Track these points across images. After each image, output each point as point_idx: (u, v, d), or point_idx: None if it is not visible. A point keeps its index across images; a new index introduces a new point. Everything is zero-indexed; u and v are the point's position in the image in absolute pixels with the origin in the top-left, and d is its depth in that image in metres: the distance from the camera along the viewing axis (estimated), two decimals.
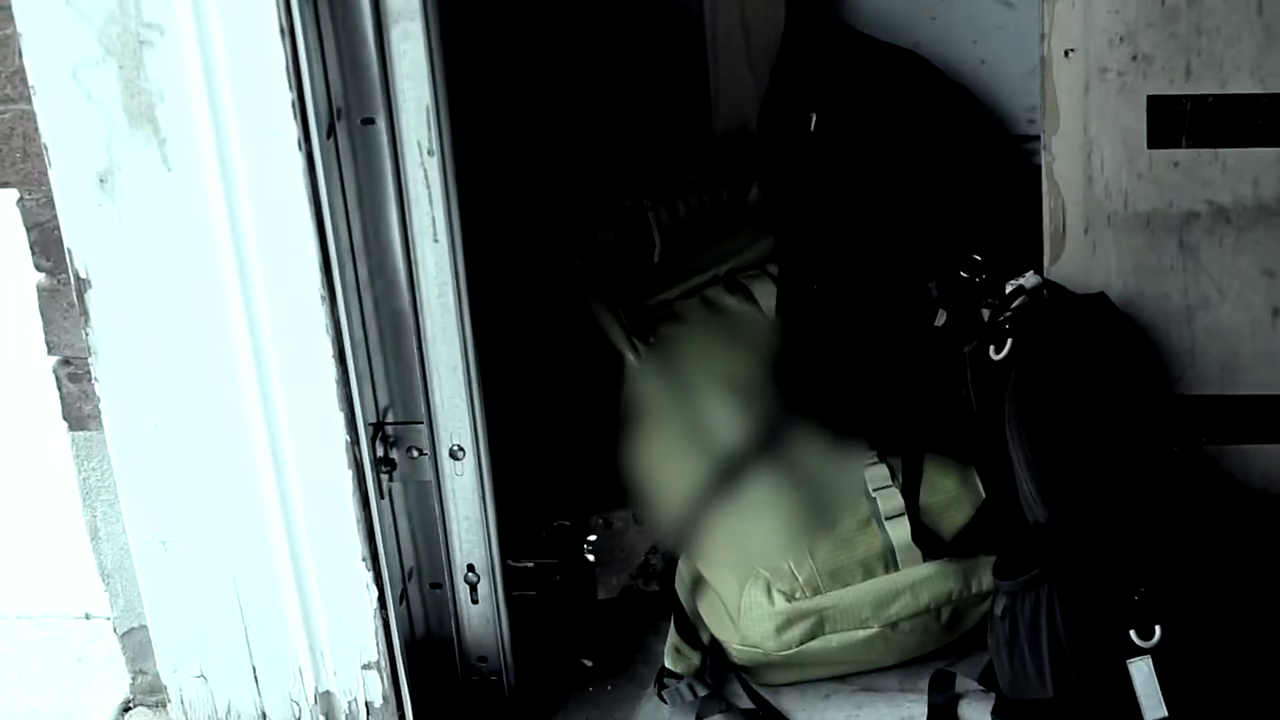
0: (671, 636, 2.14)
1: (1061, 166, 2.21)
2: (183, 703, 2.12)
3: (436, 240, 1.94)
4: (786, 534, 2.08)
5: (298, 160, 1.82)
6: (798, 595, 2.06)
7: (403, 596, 2.10)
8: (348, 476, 1.96)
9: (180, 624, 2.07)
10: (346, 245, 1.95)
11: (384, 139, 1.91)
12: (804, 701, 2.13)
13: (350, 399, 1.92)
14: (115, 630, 2.15)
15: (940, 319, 2.19)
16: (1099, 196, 2.21)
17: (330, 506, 1.98)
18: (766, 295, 2.27)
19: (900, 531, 2.08)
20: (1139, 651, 1.92)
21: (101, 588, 2.16)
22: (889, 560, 2.08)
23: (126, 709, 2.19)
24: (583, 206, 2.28)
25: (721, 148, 2.44)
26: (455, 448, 2.03)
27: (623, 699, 2.15)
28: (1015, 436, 1.99)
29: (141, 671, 2.15)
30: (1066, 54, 2.16)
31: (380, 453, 2.03)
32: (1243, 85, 2.14)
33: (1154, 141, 2.18)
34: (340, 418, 1.93)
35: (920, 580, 2.08)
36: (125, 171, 1.86)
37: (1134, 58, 2.15)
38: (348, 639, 2.04)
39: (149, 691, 2.14)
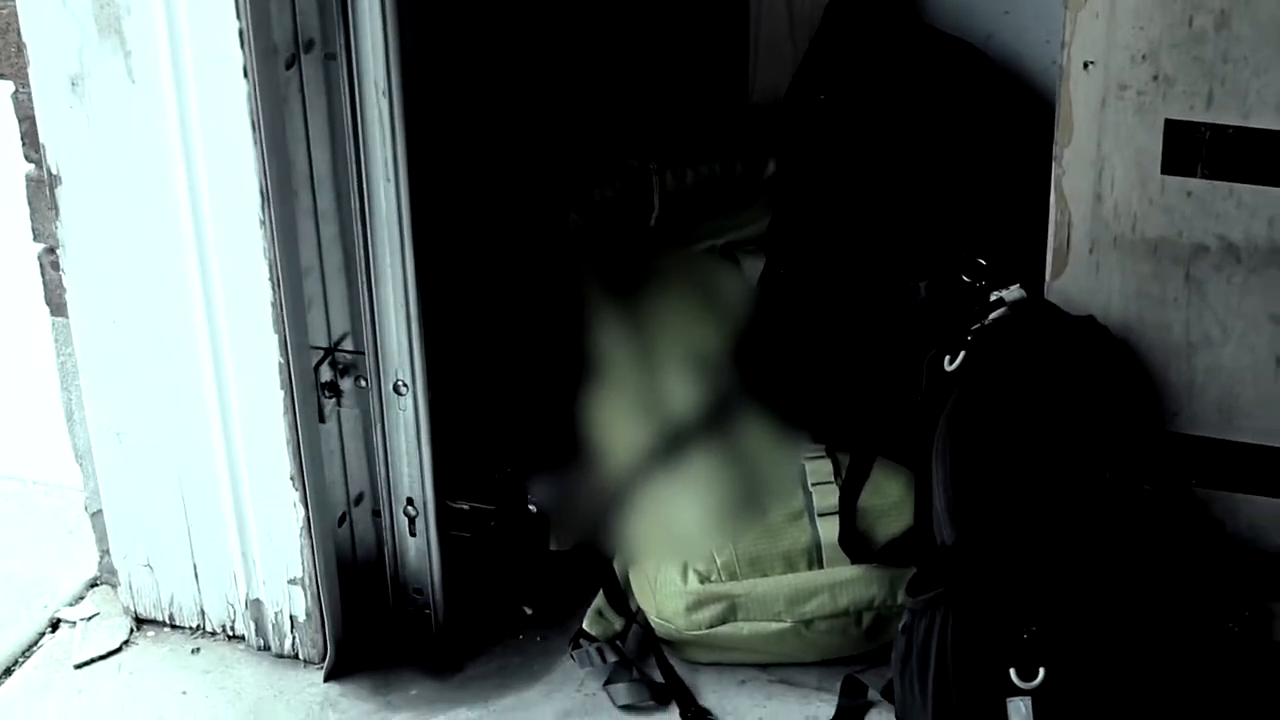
0: (598, 600, 2.15)
1: (1071, 181, 2.12)
2: (131, 588, 2.21)
3: (388, 179, 1.96)
4: (714, 515, 2.06)
5: (243, 88, 1.87)
6: (713, 578, 2.05)
7: (344, 519, 2.15)
8: (279, 397, 2.01)
9: (131, 514, 2.16)
10: (306, 173, 1.98)
11: (344, 75, 1.93)
12: (719, 683, 2.12)
13: (284, 322, 1.96)
14: (86, 510, 2.24)
15: (922, 320, 2.13)
16: (1107, 216, 2.12)
17: (264, 424, 2.03)
18: (756, 271, 2.23)
19: (830, 530, 2.05)
20: (1020, 691, 1.86)
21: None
22: (813, 557, 2.05)
23: (93, 585, 2.29)
24: (588, 162, 2.27)
25: (754, 119, 2.40)
26: (399, 383, 2.06)
27: (548, 651, 2.17)
28: (939, 453, 1.94)
29: (106, 552, 2.24)
30: (1086, 66, 2.07)
31: (328, 378, 2.07)
32: (1266, 120, 2.02)
33: (1168, 167, 2.08)
34: (274, 340, 1.98)
35: (841, 582, 2.04)
36: (94, 78, 1.93)
37: (1155, 77, 2.05)
38: (276, 552, 2.10)
39: (111, 572, 2.24)
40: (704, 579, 2.04)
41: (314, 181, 1.99)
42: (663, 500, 2.10)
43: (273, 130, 1.89)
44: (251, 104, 1.87)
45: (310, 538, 2.07)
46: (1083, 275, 2.16)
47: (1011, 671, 1.85)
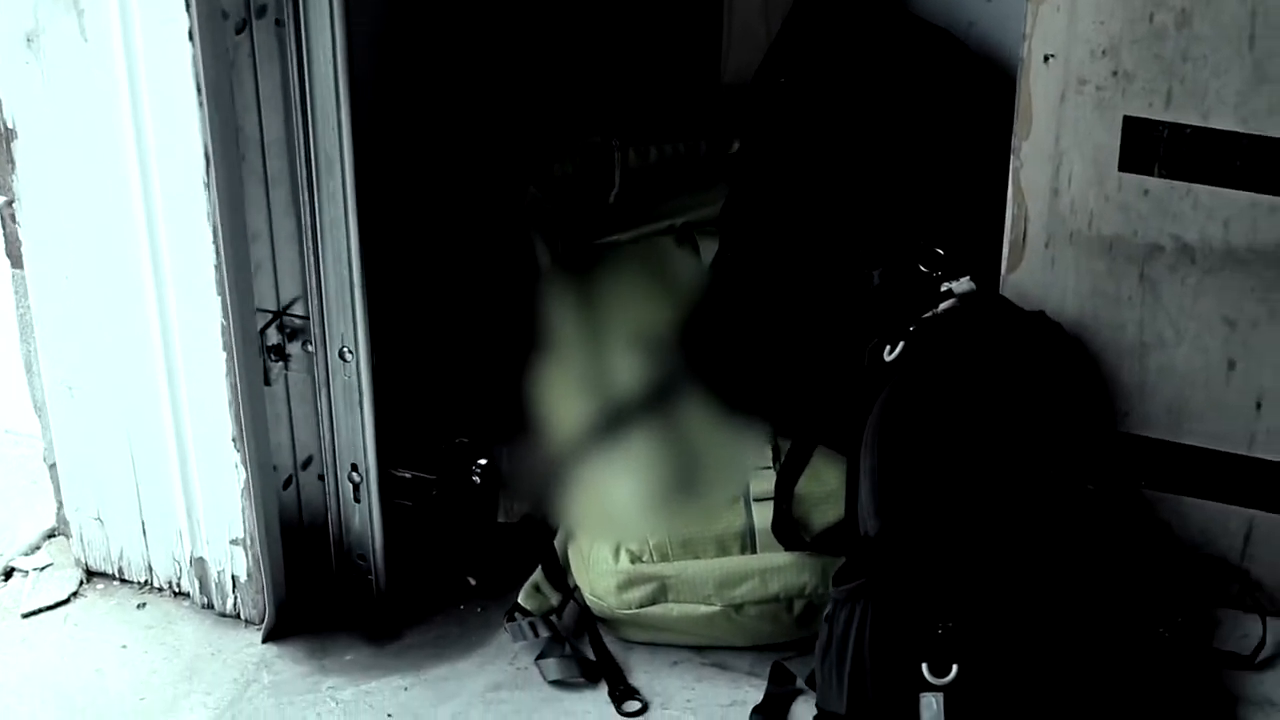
0: (536, 574, 2.15)
1: (1029, 175, 2.11)
2: (82, 541, 2.24)
3: (335, 148, 1.96)
4: (650, 495, 2.06)
5: (189, 50, 1.88)
6: (644, 559, 2.05)
7: (290, 481, 2.17)
8: (222, 359, 2.02)
9: (83, 467, 2.18)
10: (257, 139, 1.99)
11: (292, 41, 1.94)
12: (651, 663, 2.12)
13: (226, 285, 1.97)
14: (45, 461, 2.27)
15: (873, 309, 2.12)
16: (1064, 212, 2.11)
17: (207, 385, 2.04)
18: (712, 253, 2.23)
19: (766, 515, 2.04)
20: (932, 687, 1.85)
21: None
22: (747, 542, 2.04)
23: (50, 535, 2.32)
24: (551, 137, 2.27)
25: (724, 100, 2.39)
26: (344, 349, 2.07)
27: (487, 623, 2.17)
28: (868, 443, 1.93)
29: (62, 504, 2.26)
30: (1046, 59, 2.05)
31: (276, 342, 2.09)
32: (1225, 121, 2.00)
33: (1126, 165, 2.06)
34: (218, 301, 1.99)
35: (773, 568, 2.04)
36: (49, 35, 1.94)
37: (1115, 73, 2.03)
38: (219, 512, 2.12)
39: (66, 523, 2.26)
40: (635, 559, 2.05)
41: (264, 147, 2.00)
42: (600, 478, 2.10)
43: (218, 94, 1.90)
44: (196, 67, 1.87)
45: (251, 500, 2.08)
46: (1038, 270, 2.14)
47: (924, 666, 1.84)
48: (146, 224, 1.99)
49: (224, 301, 1.99)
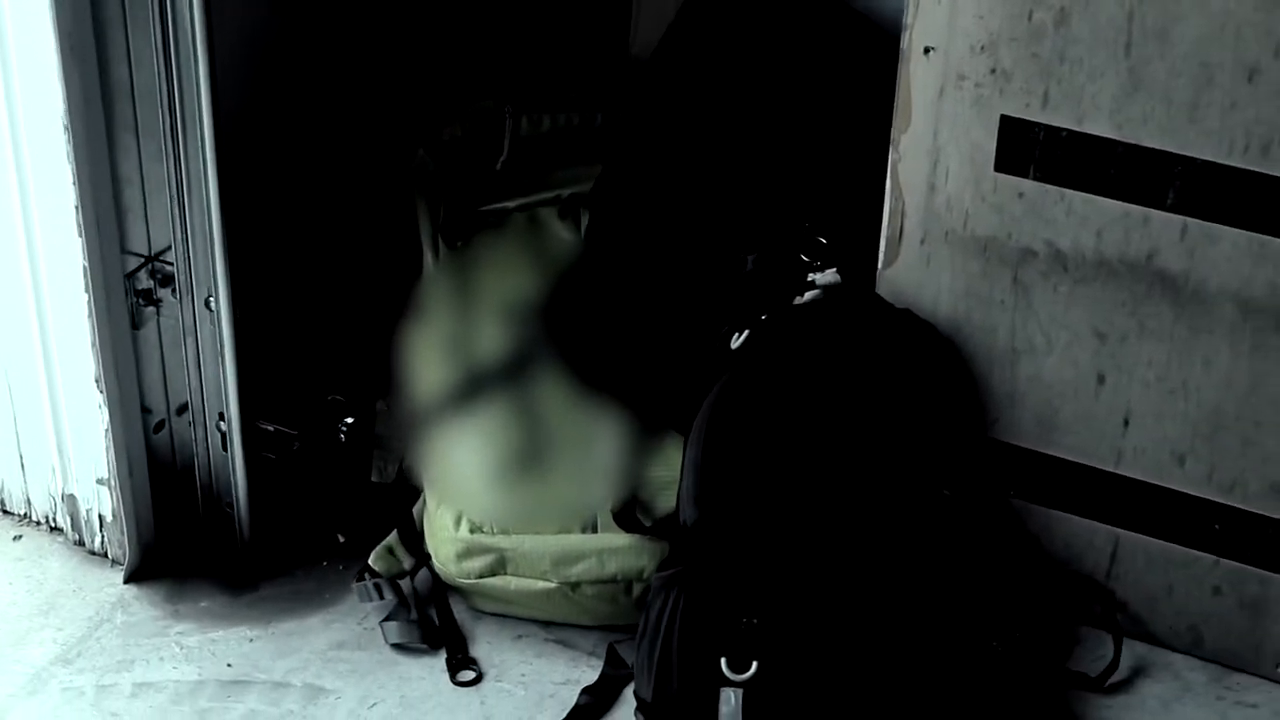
0: (391, 537, 2.16)
1: (907, 169, 2.07)
2: None
3: (196, 99, 1.98)
4: (496, 466, 2.06)
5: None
6: (484, 529, 2.05)
7: (162, 425, 2.19)
8: (84, 300, 2.05)
9: None
10: (127, 87, 2.01)
11: None
12: (496, 635, 2.12)
13: (83, 227, 1.99)
14: None
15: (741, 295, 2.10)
16: (940, 209, 2.06)
17: (72, 325, 2.07)
18: None
19: (608, 496, 2.03)
20: (732, 683, 1.83)
21: None
22: (588, 521, 2.03)
23: None
24: (445, 100, 2.26)
25: (628, 73, 2.36)
26: (209, 298, 2.09)
27: (344, 581, 2.18)
28: (696, 431, 1.91)
29: None
30: (926, 51, 2.01)
31: (147, 286, 2.11)
32: (1100, 127, 1.95)
33: (1001, 165, 2.02)
34: (79, 243, 2.02)
35: (610, 549, 2.02)
36: None
37: (993, 71, 1.98)
38: (86, 451, 2.15)
39: None
40: (475, 528, 2.05)
41: (135, 98, 2.01)
42: (451, 444, 2.10)
43: (78, 43, 1.92)
44: (55, 15, 1.90)
45: (114, 441, 2.11)
46: (914, 267, 2.10)
47: (723, 661, 1.82)
48: (15, 166, 2.01)
49: (84, 243, 2.01)
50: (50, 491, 2.22)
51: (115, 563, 2.20)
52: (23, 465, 2.23)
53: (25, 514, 2.27)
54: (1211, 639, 2.11)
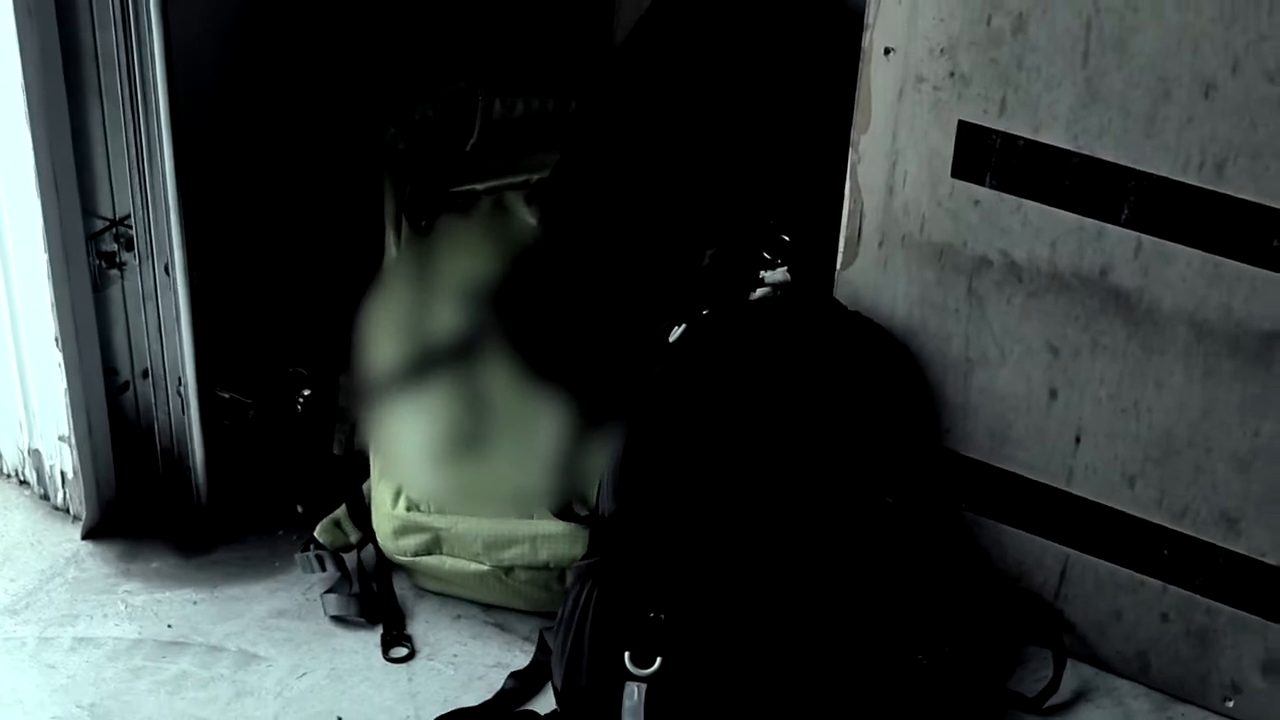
0: (339, 510, 2.17)
1: (866, 170, 2.03)
2: None
3: (153, 66, 2.00)
4: (436, 445, 2.06)
5: None
6: (421, 507, 2.05)
7: (127, 386, 2.21)
8: (43, 260, 2.08)
9: None
10: (92, 52, 2.03)
11: None
12: (435, 614, 2.12)
13: (40, 188, 2.02)
14: None
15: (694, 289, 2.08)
16: (897, 212, 2.03)
17: (34, 284, 2.10)
18: None
19: (546, 483, 2.02)
20: (636, 677, 1.81)
21: None
22: (525, 507, 2.03)
23: None
24: (418, 80, 2.26)
25: (627, 50, 2.33)
26: (167, 264, 2.11)
27: (296, 551, 2.20)
28: (620, 423, 1.90)
29: None
30: (886, 52, 1.97)
31: (111, 249, 2.14)
32: (1056, 137, 1.90)
33: (959, 171, 1.97)
34: (38, 204, 2.04)
35: (544, 536, 2.01)
36: None
37: (952, 74, 1.94)
38: (48, 409, 2.18)
39: None
40: (412, 506, 2.05)
41: (99, 60, 2.03)
42: (395, 421, 2.10)
43: (38, 6, 1.95)
44: None
45: (74, 400, 2.14)
46: (871, 270, 2.07)
47: (626, 655, 1.81)
48: None
49: (42, 204, 2.04)
50: (18, 445, 2.26)
51: (76, 518, 2.24)
52: None
53: None
54: (1159, 666, 2.05)
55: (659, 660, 1.80)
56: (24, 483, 2.28)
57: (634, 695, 1.81)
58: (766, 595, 1.85)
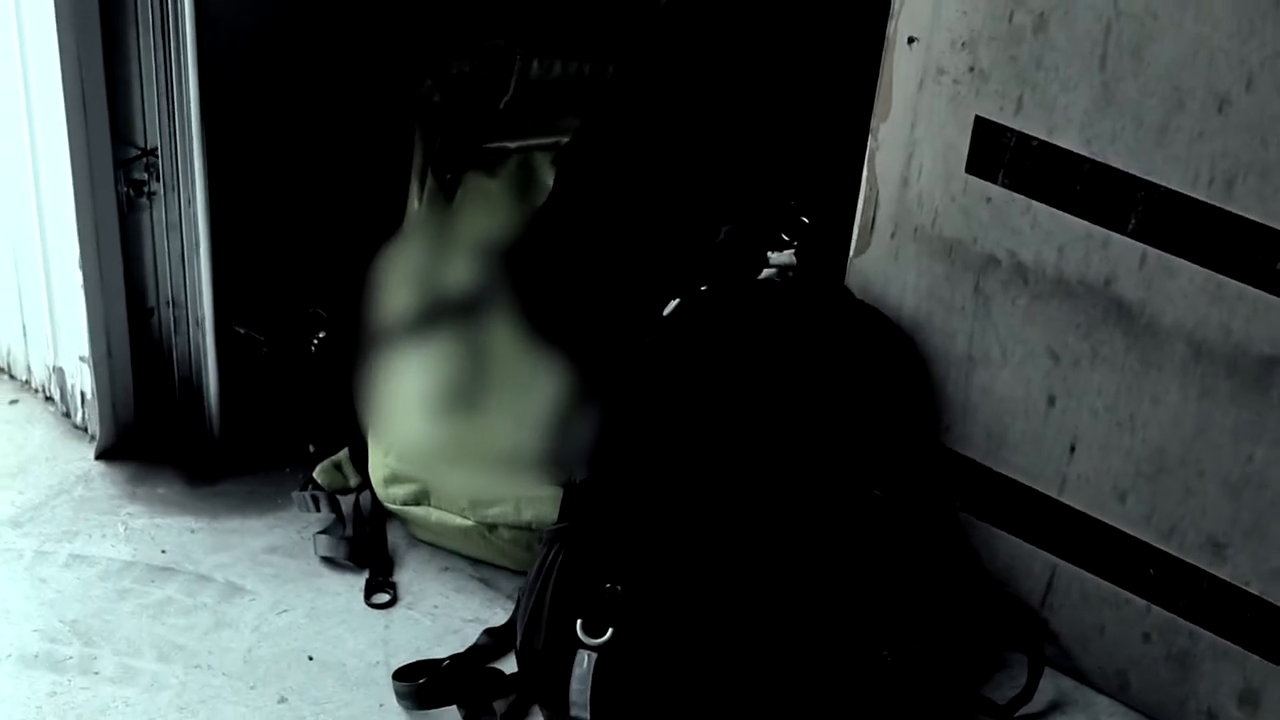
0: (341, 453, 2.19)
1: (883, 159, 2.01)
2: None
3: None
4: (431, 398, 2.07)
5: None
6: (412, 458, 2.06)
7: (152, 313, 2.25)
8: (69, 182, 2.12)
9: None
10: None
11: None
12: (424, 564, 2.14)
13: (69, 114, 2.06)
14: None
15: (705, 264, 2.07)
16: (911, 204, 2.00)
17: (62, 207, 2.15)
18: None
19: (536, 444, 2.03)
20: (587, 645, 1.82)
21: None
22: (514, 466, 2.03)
23: None
24: (457, 35, 2.26)
25: (660, 19, 2.31)
26: (189, 197, 2.14)
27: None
28: (603, 391, 1.90)
29: None
30: (910, 41, 1.95)
31: (141, 178, 2.17)
32: (1069, 140, 1.87)
33: (973, 167, 1.95)
34: (64, 131, 2.08)
35: (527, 498, 2.02)
36: None
37: (971, 69, 1.91)
38: (71, 329, 2.23)
39: None
40: (403, 456, 2.07)
41: None
42: (396, 370, 2.12)
43: None
44: None
45: (93, 322, 2.19)
46: (881, 260, 2.05)
47: (579, 623, 1.81)
48: (19, 51, 2.09)
49: (69, 128, 2.08)
50: (46, 362, 2.31)
51: (93, 438, 2.28)
52: (25, 334, 2.32)
53: (26, 380, 2.36)
54: (1138, 686, 2.02)
55: (610, 631, 1.80)
56: (49, 399, 2.34)
57: (584, 662, 1.82)
58: (728, 577, 1.84)
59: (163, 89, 2.10)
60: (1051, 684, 2.03)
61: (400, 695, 1.93)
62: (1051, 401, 1.97)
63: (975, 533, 2.07)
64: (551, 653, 1.85)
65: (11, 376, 2.38)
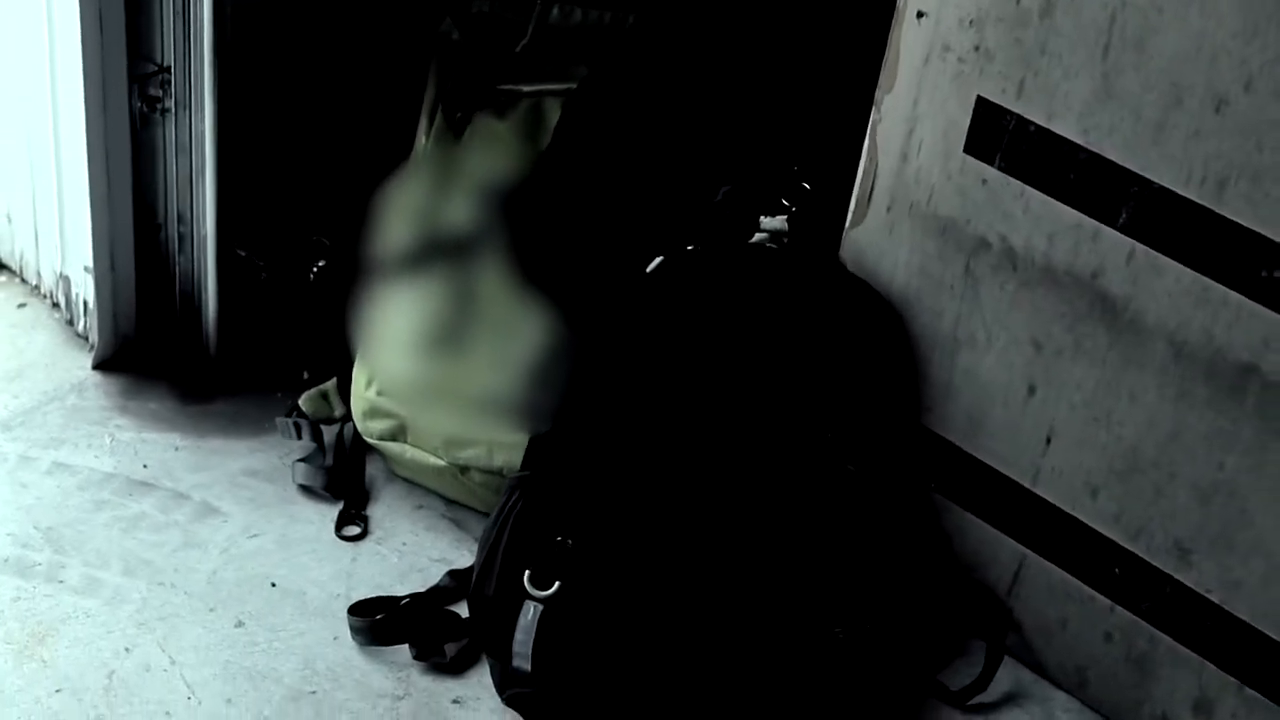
0: (329, 382, 2.21)
1: (885, 132, 1.99)
2: None
3: None
4: (415, 336, 2.07)
5: None
6: (391, 394, 2.07)
7: (160, 229, 2.27)
8: (80, 93, 2.13)
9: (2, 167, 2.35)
10: None
11: None
12: (400, 500, 2.14)
13: (83, 27, 2.08)
14: None
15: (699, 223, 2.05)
16: (909, 179, 1.98)
17: (74, 118, 2.16)
18: None
19: (515, 390, 2.03)
20: (533, 597, 1.82)
21: None
22: (490, 410, 2.03)
23: None
24: None
25: None
26: (199, 116, 2.15)
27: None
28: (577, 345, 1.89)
29: None
30: (919, 15, 1.92)
31: (156, 94, 2.18)
32: (1067, 128, 1.83)
33: (971, 147, 1.92)
34: (79, 48, 2.10)
35: (500, 443, 2.02)
36: None
37: (977, 48, 1.88)
38: (78, 239, 2.25)
39: None
40: (383, 391, 2.07)
41: None
42: (385, 305, 2.12)
43: None
44: None
45: (96, 233, 2.21)
46: (876, 233, 2.03)
47: (526, 574, 1.81)
48: None
49: (82, 38, 2.09)
50: (54, 269, 2.34)
51: (93, 348, 2.31)
52: (37, 239, 2.35)
53: (36, 285, 2.39)
54: (1096, 685, 2.00)
55: (557, 584, 1.80)
56: (56, 305, 2.36)
57: (529, 613, 1.82)
58: (682, 538, 1.83)
59: (179, 7, 2.10)
60: (1011, 675, 2.02)
61: (354, 629, 1.94)
62: (1032, 390, 1.94)
63: (948, 516, 2.06)
64: (500, 601, 1.85)
65: (23, 280, 2.41)
